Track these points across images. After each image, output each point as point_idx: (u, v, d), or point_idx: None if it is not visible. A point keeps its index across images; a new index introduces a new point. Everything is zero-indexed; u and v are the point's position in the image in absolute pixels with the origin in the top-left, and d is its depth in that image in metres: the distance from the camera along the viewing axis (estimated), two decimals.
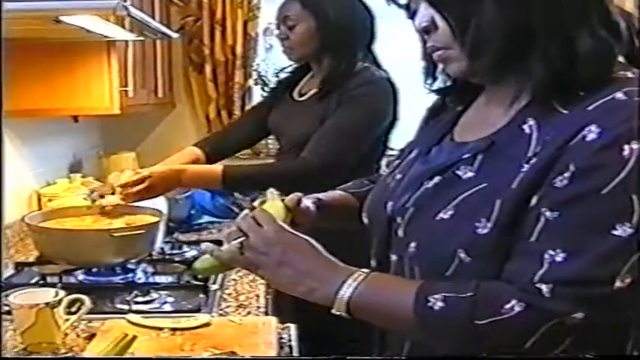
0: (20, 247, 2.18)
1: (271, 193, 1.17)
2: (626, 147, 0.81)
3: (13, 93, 2.03)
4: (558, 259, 0.83)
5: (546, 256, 0.84)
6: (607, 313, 0.83)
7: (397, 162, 1.15)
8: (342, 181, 1.41)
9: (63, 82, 2.29)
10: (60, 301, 1.38)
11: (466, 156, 0.96)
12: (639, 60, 0.94)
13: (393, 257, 1.02)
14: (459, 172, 0.95)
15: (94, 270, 1.83)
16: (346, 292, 0.94)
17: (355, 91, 1.99)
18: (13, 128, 2.30)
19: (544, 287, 0.83)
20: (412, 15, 0.98)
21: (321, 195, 1.29)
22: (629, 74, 0.90)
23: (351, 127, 1.97)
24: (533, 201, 0.86)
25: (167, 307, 1.62)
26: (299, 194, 1.19)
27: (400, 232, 1.00)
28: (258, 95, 3.52)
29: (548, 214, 0.84)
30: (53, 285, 1.65)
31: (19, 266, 1.92)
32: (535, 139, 0.89)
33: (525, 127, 0.91)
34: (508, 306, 0.84)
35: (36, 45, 2.16)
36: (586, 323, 0.82)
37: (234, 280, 1.83)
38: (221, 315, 1.58)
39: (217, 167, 1.96)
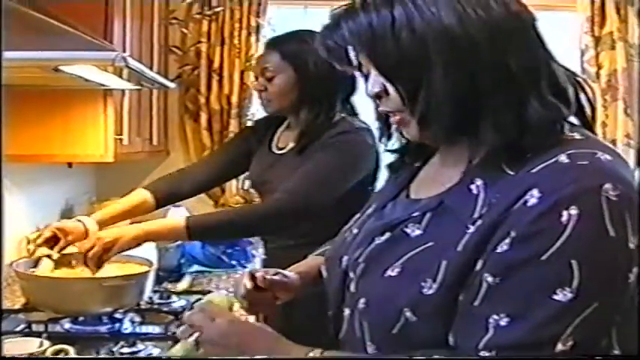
0: (7, 293, 2.16)
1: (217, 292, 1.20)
2: (565, 213, 0.82)
3: (9, 138, 2.05)
4: (502, 323, 0.84)
5: (491, 320, 0.84)
6: None
7: (357, 216, 1.17)
8: (313, 225, 1.41)
9: (58, 128, 2.31)
10: (44, 352, 1.37)
11: (415, 214, 0.98)
12: (589, 122, 0.98)
13: (346, 311, 1.03)
14: (408, 230, 0.97)
15: (81, 319, 1.82)
16: None
17: (332, 140, 1.95)
18: (6, 173, 2.31)
19: (487, 354, 0.84)
20: (365, 77, 1.01)
21: (301, 267, 1.31)
22: (577, 135, 0.92)
23: (322, 170, 1.91)
24: (478, 265, 0.87)
25: None
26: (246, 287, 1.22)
27: (352, 287, 1.02)
28: None
29: (490, 279, 0.85)
30: (39, 334, 1.64)
31: (5, 313, 1.91)
32: (481, 201, 0.90)
33: (473, 187, 0.93)
34: None
35: (32, 91, 2.19)
36: None
37: None
38: None
39: (180, 221, 1.85)
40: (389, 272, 0.94)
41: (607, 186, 0.83)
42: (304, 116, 2.02)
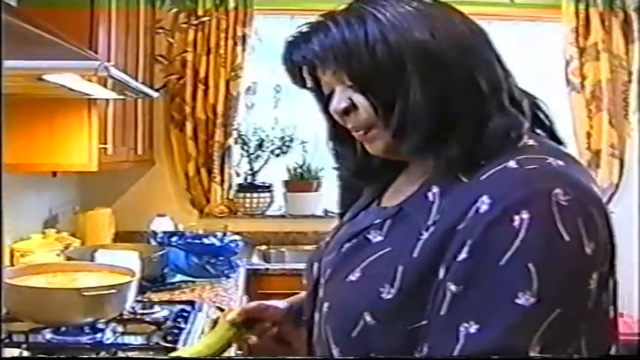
0: None
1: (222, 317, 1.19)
2: (516, 217, 0.83)
3: None
4: (472, 331, 0.84)
5: (461, 329, 0.84)
6: None
7: (335, 224, 1.18)
8: None
9: (43, 137, 2.30)
10: None
11: (377, 221, 1.00)
12: (554, 134, 1.00)
13: (316, 316, 1.04)
14: (370, 236, 0.99)
15: (62, 329, 1.81)
16: None
17: None
18: None
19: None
20: (328, 95, 1.00)
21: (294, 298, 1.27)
22: (531, 142, 0.94)
23: None
24: (441, 273, 0.87)
25: None
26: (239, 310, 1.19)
27: (321, 293, 1.04)
28: (237, 154, 3.55)
29: (453, 287, 0.86)
30: (18, 344, 1.63)
31: None
32: (436, 207, 0.92)
33: (430, 194, 0.94)
34: None
35: (17, 100, 2.18)
36: None
37: None
38: None
39: None
40: (350, 277, 0.96)
41: (557, 191, 0.84)
42: None
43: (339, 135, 1.05)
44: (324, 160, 3.43)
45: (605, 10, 3.49)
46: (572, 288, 0.84)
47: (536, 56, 3.62)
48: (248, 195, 3.56)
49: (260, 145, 3.55)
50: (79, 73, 1.77)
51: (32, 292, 1.78)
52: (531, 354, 0.82)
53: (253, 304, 1.21)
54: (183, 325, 1.91)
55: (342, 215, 1.20)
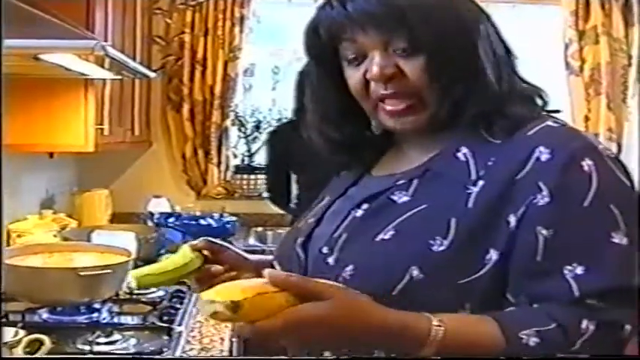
0: None
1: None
2: (584, 163, 0.88)
3: None
4: (579, 272, 0.86)
5: (565, 272, 0.86)
6: None
7: (307, 212, 1.14)
8: None
9: (39, 118, 2.29)
10: (19, 341, 1.37)
11: (401, 182, 0.99)
12: None
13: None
14: (394, 197, 0.98)
15: (59, 308, 1.81)
16: (438, 333, 0.85)
17: None
18: None
19: (594, 302, 0.86)
20: (359, 62, 0.98)
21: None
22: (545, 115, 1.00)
23: None
24: (512, 221, 0.89)
25: (129, 349, 1.61)
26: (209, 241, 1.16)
27: (331, 261, 0.97)
28: (234, 136, 3.54)
29: (544, 232, 0.88)
30: (14, 323, 1.63)
31: None
32: (473, 165, 0.94)
33: (459, 154, 0.96)
34: (584, 326, 0.86)
35: (13, 80, 2.16)
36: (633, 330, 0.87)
37: (200, 322, 1.82)
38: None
39: None
40: (381, 236, 0.94)
41: (600, 147, 0.92)
42: None
43: (346, 110, 1.03)
44: None
45: None
46: None
47: (535, 39, 3.60)
48: (245, 176, 3.57)
49: (257, 127, 3.56)
50: (76, 53, 1.76)
51: (29, 272, 1.79)
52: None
53: (219, 242, 1.18)
54: (178, 306, 1.92)
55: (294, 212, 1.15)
